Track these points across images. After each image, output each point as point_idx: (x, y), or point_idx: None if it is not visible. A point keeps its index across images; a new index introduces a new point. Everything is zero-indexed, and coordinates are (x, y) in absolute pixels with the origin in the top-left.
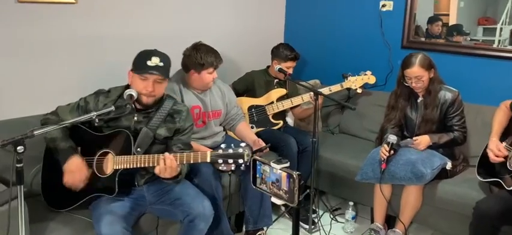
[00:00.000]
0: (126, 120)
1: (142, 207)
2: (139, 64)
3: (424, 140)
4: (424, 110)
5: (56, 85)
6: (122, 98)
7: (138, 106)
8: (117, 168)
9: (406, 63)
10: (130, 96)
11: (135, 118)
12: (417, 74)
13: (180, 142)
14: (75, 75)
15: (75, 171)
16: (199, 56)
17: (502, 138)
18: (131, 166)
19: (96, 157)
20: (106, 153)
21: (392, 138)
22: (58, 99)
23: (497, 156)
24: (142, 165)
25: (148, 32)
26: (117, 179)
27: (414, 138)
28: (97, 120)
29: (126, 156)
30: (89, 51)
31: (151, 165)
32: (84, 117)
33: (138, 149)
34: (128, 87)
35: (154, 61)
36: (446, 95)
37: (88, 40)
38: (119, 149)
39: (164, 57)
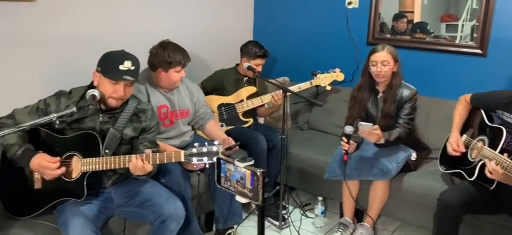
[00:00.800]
0: (90, 121)
1: (110, 209)
2: (111, 68)
3: (379, 135)
4: (383, 105)
5: (14, 87)
6: (84, 99)
7: (102, 106)
8: (85, 170)
9: (374, 49)
10: (93, 96)
11: (100, 118)
12: (384, 59)
13: (147, 140)
14: (34, 77)
15: (41, 169)
16: (167, 54)
17: (463, 131)
18: (101, 168)
19: (61, 160)
20: (71, 156)
21: (348, 129)
22: (16, 103)
23: (455, 151)
24: (112, 167)
25: (112, 31)
26: (85, 182)
27: (375, 126)
28: (58, 122)
29: (95, 158)
30: (49, 51)
31: (122, 166)
32: (44, 119)
33: (107, 151)
34: (90, 87)
35: (127, 65)
36: (404, 91)
37: (48, 40)
38: (85, 151)
39: (135, 60)
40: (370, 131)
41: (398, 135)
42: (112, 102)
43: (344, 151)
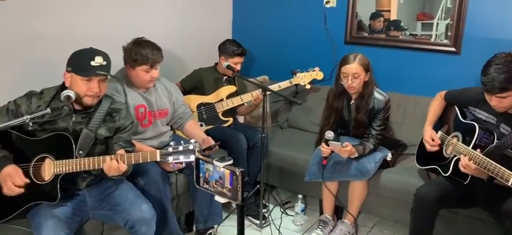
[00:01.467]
0: (63, 122)
1: (84, 212)
2: (82, 65)
3: (351, 151)
4: (355, 114)
5: None
6: (56, 99)
7: (76, 107)
8: (58, 173)
9: (345, 60)
10: (68, 97)
11: (74, 119)
12: (355, 71)
13: (121, 140)
14: (2, 78)
15: (7, 179)
16: (134, 51)
17: (438, 128)
18: (74, 170)
19: (33, 163)
20: (43, 158)
21: (329, 135)
22: None
23: (432, 146)
24: (86, 168)
25: (85, 30)
26: (58, 185)
27: (345, 143)
28: (31, 124)
29: (68, 160)
30: (20, 51)
31: (96, 167)
32: (17, 121)
33: (80, 152)
34: (62, 87)
35: (98, 61)
36: (376, 99)
37: (19, 39)
38: (58, 153)
39: (105, 55)
40: (340, 149)
41: (372, 148)
42: (88, 101)
43: (323, 157)
